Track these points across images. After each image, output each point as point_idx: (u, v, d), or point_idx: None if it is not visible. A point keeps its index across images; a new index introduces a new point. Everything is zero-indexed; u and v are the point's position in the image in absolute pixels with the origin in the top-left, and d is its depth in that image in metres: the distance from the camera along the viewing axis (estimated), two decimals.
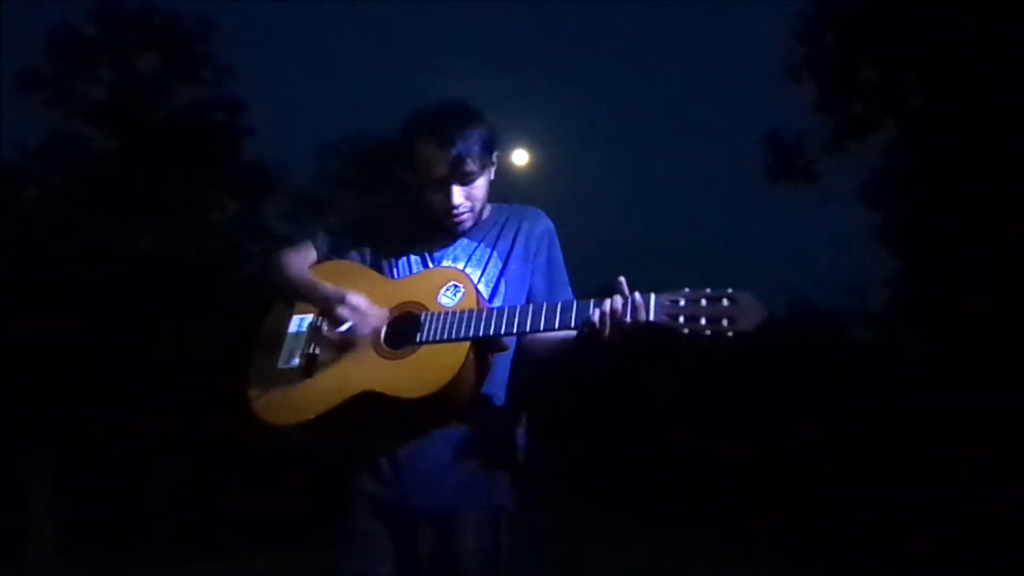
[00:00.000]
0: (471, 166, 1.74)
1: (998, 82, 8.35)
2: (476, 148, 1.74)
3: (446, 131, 1.72)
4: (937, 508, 7.31)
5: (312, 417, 1.68)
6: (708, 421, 11.43)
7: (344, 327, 1.71)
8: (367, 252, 1.89)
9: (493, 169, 1.85)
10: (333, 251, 1.89)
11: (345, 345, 1.73)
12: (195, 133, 12.68)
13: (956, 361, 8.85)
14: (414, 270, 1.84)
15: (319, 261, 1.89)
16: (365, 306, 1.71)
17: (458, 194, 1.76)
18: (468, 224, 1.83)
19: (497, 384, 1.78)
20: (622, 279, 1.54)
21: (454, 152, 1.71)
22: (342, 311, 1.70)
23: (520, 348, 1.82)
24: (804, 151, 10.82)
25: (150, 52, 12.90)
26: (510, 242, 1.85)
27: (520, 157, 12.64)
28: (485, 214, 1.89)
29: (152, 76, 12.90)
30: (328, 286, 1.77)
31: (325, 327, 1.77)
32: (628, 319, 1.50)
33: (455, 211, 1.78)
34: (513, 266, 1.84)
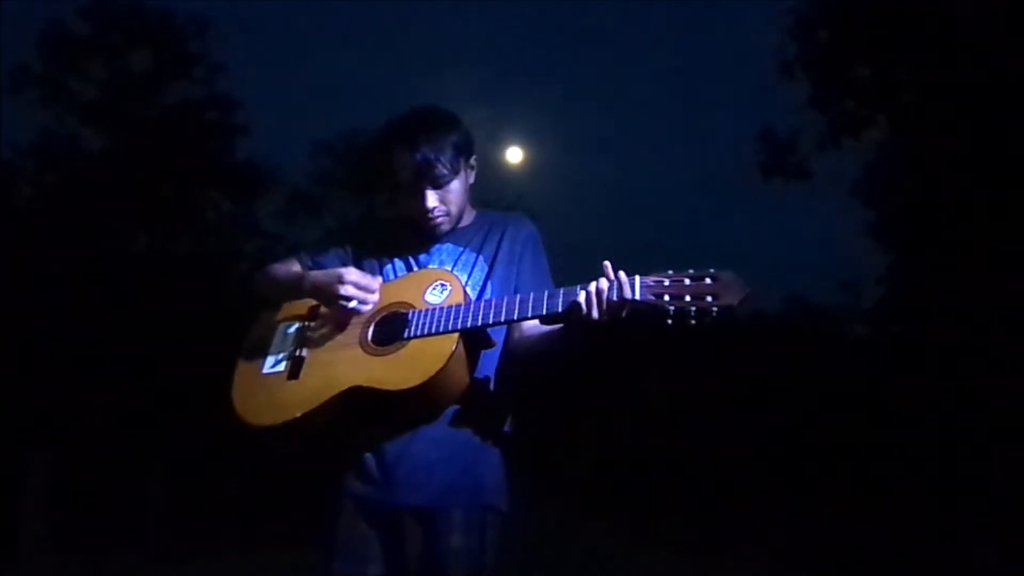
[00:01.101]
0: (441, 170, 1.77)
1: (991, 79, 8.38)
2: (446, 153, 1.77)
3: (414, 136, 1.76)
4: (932, 504, 7.34)
5: (298, 415, 1.67)
6: (702, 418, 11.45)
7: (350, 304, 1.71)
8: (351, 262, 1.91)
9: (472, 173, 1.88)
10: (318, 264, 1.91)
11: (333, 340, 1.74)
12: (188, 131, 12.65)
13: (950, 357, 8.88)
14: (399, 276, 1.86)
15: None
16: (363, 280, 1.72)
17: (431, 198, 1.79)
18: (446, 227, 1.85)
19: (484, 383, 1.78)
20: (607, 263, 1.57)
21: (420, 157, 1.75)
22: (342, 289, 1.70)
23: (506, 347, 1.83)
24: (797, 148, 10.86)
25: (143, 50, 12.86)
26: (495, 246, 1.87)
27: (514, 155, 12.65)
28: (469, 220, 1.91)
29: (145, 74, 12.87)
30: (319, 274, 1.79)
31: (315, 324, 1.78)
32: (614, 298, 1.53)
33: (430, 214, 1.80)
34: (499, 269, 1.85)
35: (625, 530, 7.64)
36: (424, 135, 1.76)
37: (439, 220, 1.82)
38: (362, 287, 1.71)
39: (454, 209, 1.83)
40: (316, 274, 1.79)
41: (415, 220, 1.84)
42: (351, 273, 1.72)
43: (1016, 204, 8.09)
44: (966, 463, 7.78)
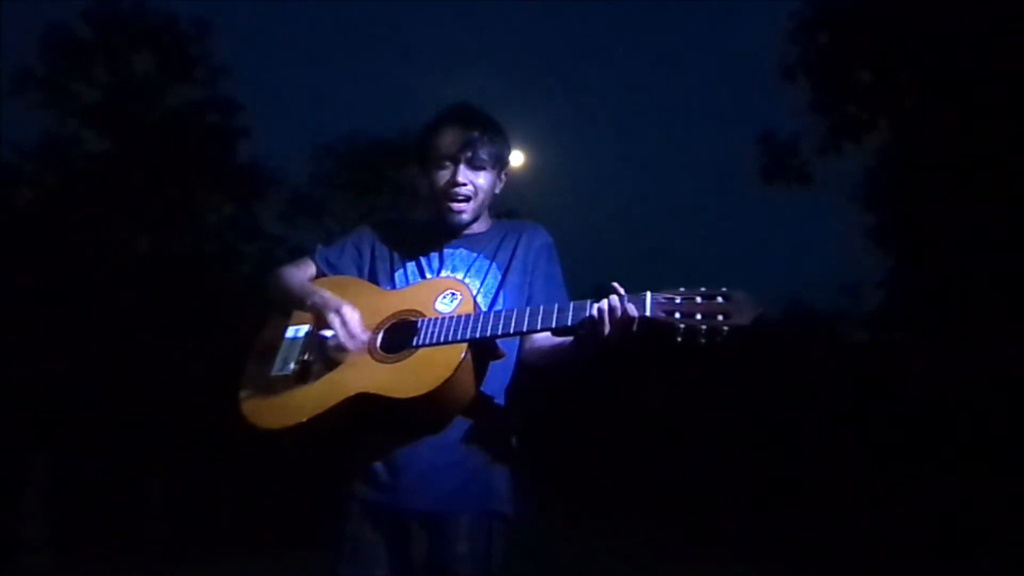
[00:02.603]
0: (483, 153, 1.82)
1: (991, 83, 8.39)
2: (492, 144, 1.84)
3: (470, 118, 1.85)
4: (931, 509, 7.33)
5: (304, 420, 1.67)
6: (703, 422, 11.44)
7: (327, 333, 1.71)
8: (366, 266, 1.92)
9: (500, 184, 1.92)
10: (331, 266, 1.93)
11: (331, 353, 1.74)
12: (190, 134, 12.66)
13: (950, 361, 8.87)
14: (411, 281, 1.86)
15: (318, 276, 1.93)
16: (355, 325, 1.72)
17: (463, 174, 1.82)
18: (465, 216, 1.85)
19: (495, 390, 1.78)
20: (616, 284, 1.57)
21: (472, 134, 1.81)
22: (332, 318, 1.71)
23: (519, 356, 1.84)
24: (799, 152, 10.85)
25: (145, 53, 12.87)
26: (509, 254, 1.88)
27: (515, 158, 12.67)
28: (485, 227, 1.92)
29: (147, 77, 12.88)
30: (326, 293, 1.79)
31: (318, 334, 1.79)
32: (625, 314, 1.53)
33: (457, 190, 1.82)
34: (512, 278, 1.86)
35: (630, 538, 7.63)
36: (478, 120, 1.85)
37: (463, 205, 1.84)
38: (349, 329, 1.71)
39: (479, 197, 1.85)
40: (322, 294, 1.80)
41: (435, 197, 1.86)
42: (349, 311, 1.73)
43: (1017, 208, 8.09)
44: (967, 467, 7.76)
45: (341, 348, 1.72)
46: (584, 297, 1.62)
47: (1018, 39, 8.13)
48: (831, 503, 8.22)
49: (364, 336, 1.73)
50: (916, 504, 7.57)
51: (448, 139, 1.82)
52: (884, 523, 7.33)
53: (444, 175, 1.83)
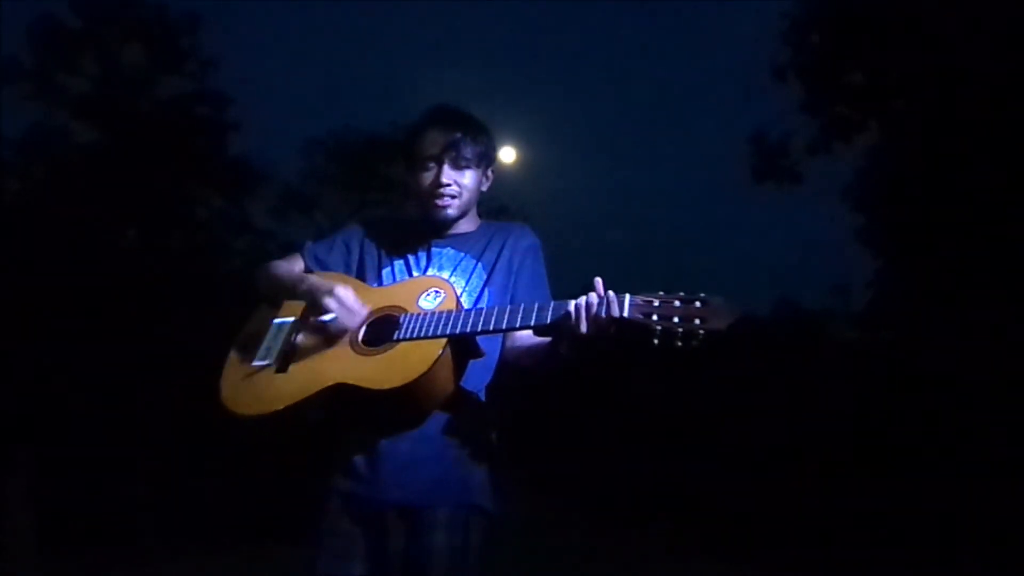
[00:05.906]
0: (466, 153, 1.86)
1: (981, 84, 8.43)
2: (475, 145, 1.87)
3: (453, 119, 1.89)
4: (922, 508, 7.37)
5: (281, 407, 1.68)
6: (693, 420, 11.48)
7: (327, 317, 1.73)
8: (354, 263, 1.95)
9: (486, 183, 1.95)
10: (320, 263, 1.95)
11: (324, 339, 1.76)
12: (180, 127, 12.58)
13: (939, 361, 8.92)
14: (399, 278, 1.89)
15: (306, 272, 1.95)
16: (351, 301, 1.75)
17: (447, 174, 1.85)
18: (451, 212, 1.88)
19: (475, 387, 1.80)
20: (598, 280, 1.59)
21: (453, 136, 1.84)
22: (328, 301, 1.73)
23: (501, 355, 1.86)
24: (789, 152, 10.88)
25: (135, 44, 12.78)
26: (496, 255, 1.91)
27: (507, 155, 12.64)
28: (473, 227, 1.95)
29: (136, 69, 12.79)
30: (317, 279, 1.83)
31: (309, 321, 1.80)
32: (603, 314, 1.55)
33: (441, 190, 1.85)
34: (497, 278, 1.89)
35: (615, 534, 7.65)
36: (461, 121, 1.89)
37: (448, 202, 1.87)
38: (346, 306, 1.74)
39: (464, 195, 1.89)
40: (313, 280, 1.83)
41: (421, 198, 1.89)
42: (342, 289, 1.75)
43: (1006, 209, 8.14)
44: (956, 465, 7.81)
45: (343, 327, 1.74)
46: (573, 297, 1.63)
47: (1008, 40, 8.17)
48: (824, 501, 8.27)
49: (363, 310, 1.75)
50: (908, 503, 7.61)
51: (431, 140, 1.86)
52: (876, 522, 7.37)
53: (428, 176, 1.87)
